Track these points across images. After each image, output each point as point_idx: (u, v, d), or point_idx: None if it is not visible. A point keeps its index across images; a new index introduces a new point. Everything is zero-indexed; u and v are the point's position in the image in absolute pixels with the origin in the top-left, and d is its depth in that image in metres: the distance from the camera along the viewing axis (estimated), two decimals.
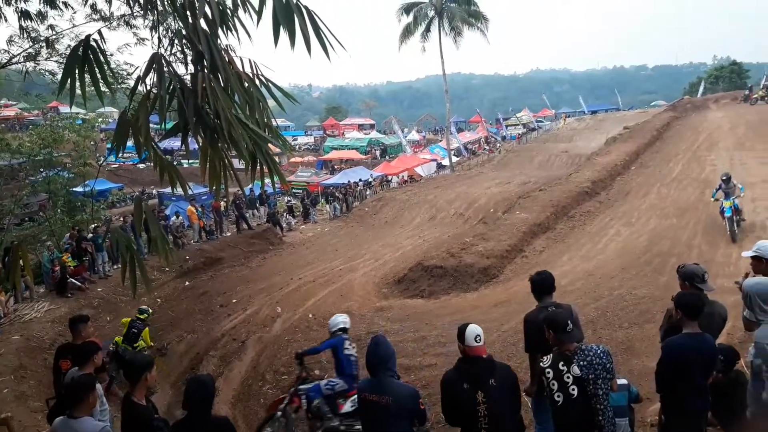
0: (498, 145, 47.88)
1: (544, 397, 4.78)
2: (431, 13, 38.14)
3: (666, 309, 4.52)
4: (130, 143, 3.03)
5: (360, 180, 33.27)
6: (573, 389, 3.66)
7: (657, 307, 9.29)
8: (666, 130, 28.82)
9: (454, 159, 42.41)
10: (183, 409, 3.74)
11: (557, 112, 69.10)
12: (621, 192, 19.94)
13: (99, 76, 2.91)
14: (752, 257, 4.42)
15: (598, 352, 3.72)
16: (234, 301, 14.46)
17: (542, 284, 4.73)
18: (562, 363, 3.73)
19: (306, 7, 2.91)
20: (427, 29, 38.53)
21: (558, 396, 3.71)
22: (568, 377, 3.68)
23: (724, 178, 13.89)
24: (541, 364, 3.87)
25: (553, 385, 3.73)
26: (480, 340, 3.80)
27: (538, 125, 56.76)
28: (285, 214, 27.96)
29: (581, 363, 3.68)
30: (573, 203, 18.91)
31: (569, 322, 3.80)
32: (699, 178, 19.28)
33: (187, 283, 16.90)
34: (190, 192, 3.46)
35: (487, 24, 38.07)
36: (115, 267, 15.84)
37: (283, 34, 2.87)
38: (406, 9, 38.16)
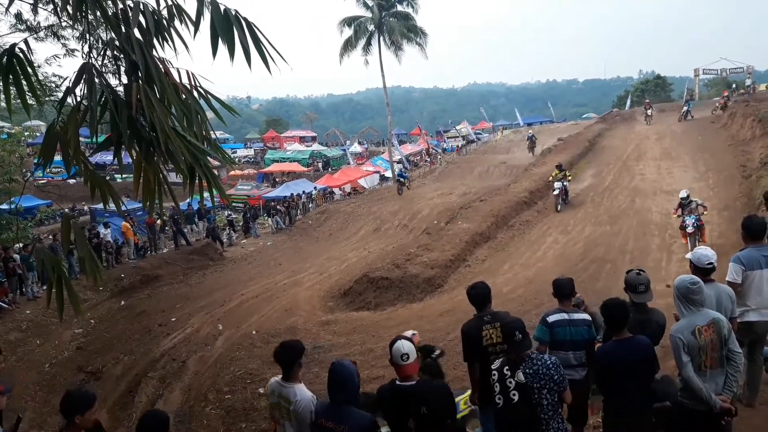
0: (439, 156, 48.65)
1: (490, 405, 4.87)
2: (371, 27, 38.44)
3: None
4: (58, 158, 2.87)
5: (303, 192, 32.98)
6: (514, 394, 3.76)
7: None
8: (597, 142, 30.10)
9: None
10: None
11: (495, 125, 70.79)
12: None
13: (26, 87, 2.75)
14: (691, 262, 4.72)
15: (547, 362, 3.82)
16: (173, 319, 13.97)
17: (476, 297, 4.86)
18: (507, 368, 3.84)
19: (245, 19, 2.86)
20: (368, 43, 38.77)
21: (498, 398, 3.84)
22: (510, 382, 3.79)
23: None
24: (491, 366, 3.97)
25: (496, 387, 3.86)
26: (407, 359, 3.73)
27: (477, 137, 58.07)
28: (226, 228, 27.36)
29: (527, 371, 3.77)
30: (512, 213, 19.41)
31: (517, 332, 3.87)
32: (629, 187, 20.19)
33: (122, 302, 16.23)
34: (125, 207, 3.30)
35: (426, 39, 38.68)
36: (44, 288, 15.02)
37: (222, 46, 2.81)
38: (348, 22, 38.29)
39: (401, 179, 30.14)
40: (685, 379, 3.88)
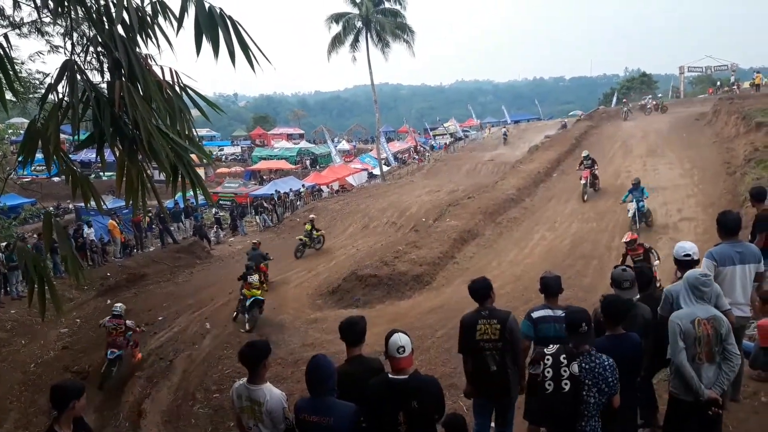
0: (427, 154, 48.70)
1: (482, 400, 4.89)
2: (359, 24, 38.38)
3: (593, 308, 4.74)
4: (40, 155, 2.83)
5: (291, 190, 32.86)
6: (566, 383, 3.74)
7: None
8: (584, 139, 30.24)
9: (385, 168, 42.77)
10: None
11: (482, 122, 71.02)
12: (544, 198, 20.74)
13: (4, 83, 2.71)
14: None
15: (605, 363, 3.77)
16: (160, 318, 13.86)
17: (475, 291, 4.89)
18: (564, 356, 3.81)
19: (230, 17, 2.84)
20: (356, 39, 38.72)
21: (549, 384, 3.79)
22: (564, 371, 3.76)
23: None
24: (545, 350, 3.93)
25: (548, 372, 3.81)
26: (403, 351, 3.72)
27: (465, 135, 58.18)
28: (213, 226, 27.23)
29: (583, 365, 3.75)
30: (500, 210, 19.47)
31: (583, 323, 3.84)
32: (615, 184, 20.33)
33: (108, 301, 16.04)
34: (106, 207, 3.27)
35: (414, 36, 38.69)
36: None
37: (207, 44, 2.79)
38: (336, 18, 38.19)
39: (505, 136, 42.03)
40: (676, 365, 3.94)
